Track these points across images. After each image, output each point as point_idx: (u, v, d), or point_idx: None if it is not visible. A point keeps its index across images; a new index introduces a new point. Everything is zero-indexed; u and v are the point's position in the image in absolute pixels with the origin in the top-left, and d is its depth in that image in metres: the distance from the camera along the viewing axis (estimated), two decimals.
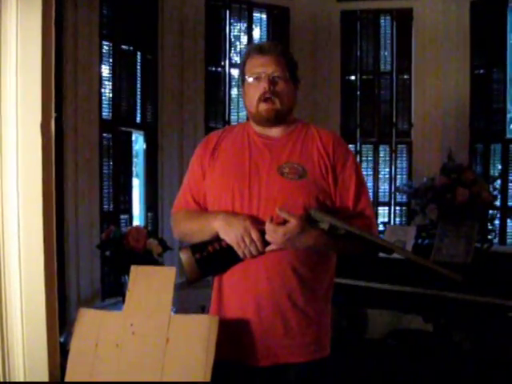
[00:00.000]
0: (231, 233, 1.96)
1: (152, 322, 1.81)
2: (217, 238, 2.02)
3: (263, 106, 2.07)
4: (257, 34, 6.68)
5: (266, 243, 1.97)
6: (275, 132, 2.14)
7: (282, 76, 2.07)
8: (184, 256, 2.01)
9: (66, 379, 1.83)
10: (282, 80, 2.07)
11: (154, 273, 1.92)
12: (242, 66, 2.17)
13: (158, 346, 1.76)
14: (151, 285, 1.87)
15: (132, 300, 1.88)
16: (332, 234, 1.97)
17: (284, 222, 1.94)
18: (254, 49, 2.13)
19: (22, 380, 1.82)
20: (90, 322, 1.88)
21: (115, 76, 5.48)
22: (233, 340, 2.04)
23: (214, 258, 2.02)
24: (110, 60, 5.44)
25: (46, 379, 1.84)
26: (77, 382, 1.82)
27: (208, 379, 1.68)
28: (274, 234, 1.93)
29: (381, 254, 3.59)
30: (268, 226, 1.94)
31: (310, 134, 2.15)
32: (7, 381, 1.80)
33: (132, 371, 1.77)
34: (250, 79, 2.10)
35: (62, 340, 2.35)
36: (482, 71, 6.20)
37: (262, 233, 1.96)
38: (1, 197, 1.77)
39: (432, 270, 2.10)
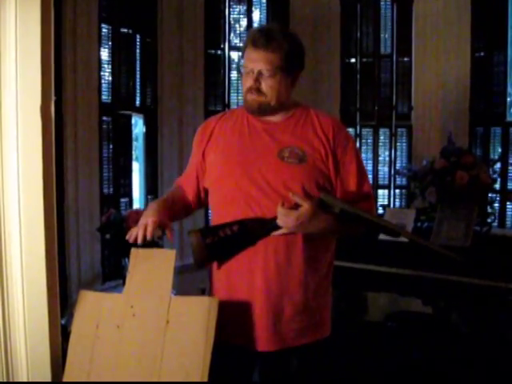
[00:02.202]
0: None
1: (152, 304, 1.82)
2: (227, 223, 2.03)
3: (249, 97, 2.10)
4: (256, 16, 6.64)
5: (276, 227, 1.97)
6: (274, 117, 2.15)
7: (271, 73, 2.05)
8: (194, 240, 2.01)
9: (68, 361, 1.84)
10: (270, 77, 2.06)
11: (154, 255, 1.93)
12: (242, 52, 2.18)
13: (158, 328, 1.77)
14: (151, 267, 1.88)
15: (132, 282, 1.88)
16: (341, 218, 1.98)
17: (294, 207, 1.95)
18: (250, 40, 2.11)
19: (24, 364, 1.83)
20: (90, 303, 1.89)
21: (114, 59, 5.46)
22: (241, 324, 2.05)
23: (224, 243, 2.02)
24: (110, 43, 5.42)
25: (48, 362, 1.86)
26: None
27: (208, 360, 1.69)
28: (286, 219, 1.94)
29: (381, 237, 3.61)
30: (280, 210, 1.94)
31: (310, 118, 2.16)
32: (9, 365, 1.82)
33: (132, 352, 1.78)
34: (245, 70, 2.11)
35: (63, 322, 2.36)
36: (482, 54, 6.18)
37: (273, 218, 1.96)
38: (1, 180, 1.78)
39: (433, 250, 2.11)
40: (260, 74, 2.06)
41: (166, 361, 1.73)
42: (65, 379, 1.83)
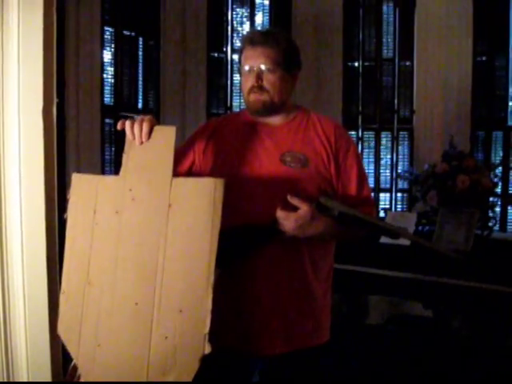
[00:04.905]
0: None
1: (152, 187, 1.69)
2: (226, 230, 1.99)
3: (252, 98, 2.06)
4: (259, 19, 6.65)
5: (276, 232, 1.95)
6: (275, 120, 2.12)
7: (271, 68, 2.04)
8: None
9: (66, 252, 1.74)
10: (270, 72, 2.04)
11: (152, 133, 1.77)
12: (239, 55, 2.17)
13: (160, 212, 1.66)
14: (149, 145, 1.74)
15: (129, 163, 1.75)
16: (340, 221, 1.97)
17: (294, 210, 1.93)
18: (246, 40, 2.10)
19: (24, 363, 1.84)
20: (86, 188, 1.77)
21: (117, 62, 5.49)
22: (242, 329, 2.04)
23: (224, 250, 1.97)
24: (112, 46, 5.44)
25: (48, 361, 1.86)
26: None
27: (215, 244, 1.60)
28: (285, 221, 1.91)
29: (382, 240, 3.62)
30: (279, 213, 1.91)
31: (312, 122, 2.14)
32: (10, 366, 1.83)
33: (134, 239, 1.68)
34: (245, 70, 2.10)
35: None
36: (484, 58, 6.18)
37: (272, 223, 1.95)
38: (3, 182, 1.79)
39: (435, 251, 2.11)
40: (260, 71, 2.04)
41: (171, 247, 1.63)
42: (64, 270, 1.73)
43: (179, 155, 2.10)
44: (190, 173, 2.15)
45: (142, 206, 1.69)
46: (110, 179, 1.77)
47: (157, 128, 1.76)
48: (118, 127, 1.80)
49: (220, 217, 1.62)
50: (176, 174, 2.02)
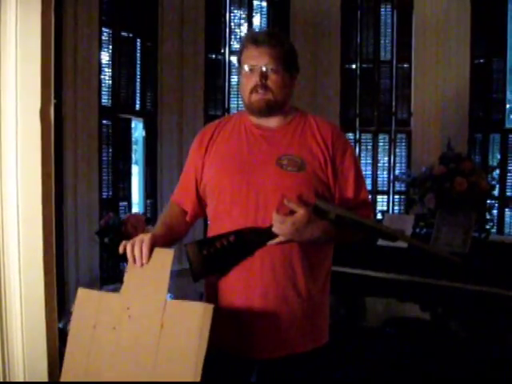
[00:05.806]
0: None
1: (148, 307, 1.79)
2: (224, 234, 1.98)
3: (254, 97, 2.04)
4: (257, 21, 6.66)
5: (272, 236, 1.94)
6: (272, 122, 2.10)
7: (275, 68, 2.02)
8: (191, 252, 1.95)
9: (65, 361, 1.82)
10: (274, 73, 2.02)
11: (153, 253, 1.87)
12: (238, 55, 2.15)
13: (153, 332, 1.75)
14: (148, 267, 1.85)
15: (130, 281, 1.85)
16: (338, 224, 1.96)
17: (290, 214, 1.92)
18: (249, 39, 2.08)
19: (21, 367, 1.83)
20: (88, 303, 1.87)
21: (115, 63, 5.48)
22: (239, 333, 2.02)
23: (221, 254, 1.97)
24: (110, 47, 5.44)
25: (45, 365, 1.86)
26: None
27: (200, 368, 1.67)
28: (281, 225, 1.90)
29: (380, 243, 3.61)
30: (276, 217, 1.90)
31: (309, 124, 2.12)
32: (6, 367, 1.82)
33: (128, 356, 1.76)
34: (245, 70, 2.08)
35: (60, 326, 2.35)
36: (482, 61, 6.20)
37: (269, 227, 1.94)
38: (1, 183, 1.78)
39: (432, 253, 2.11)
40: (264, 70, 2.02)
41: (160, 366, 1.72)
42: (62, 379, 1.81)
43: (187, 184, 2.18)
44: (198, 193, 2.17)
45: (137, 325, 1.79)
46: (111, 296, 1.88)
47: (157, 250, 1.86)
48: (120, 251, 1.88)
49: (207, 341, 1.69)
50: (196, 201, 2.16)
